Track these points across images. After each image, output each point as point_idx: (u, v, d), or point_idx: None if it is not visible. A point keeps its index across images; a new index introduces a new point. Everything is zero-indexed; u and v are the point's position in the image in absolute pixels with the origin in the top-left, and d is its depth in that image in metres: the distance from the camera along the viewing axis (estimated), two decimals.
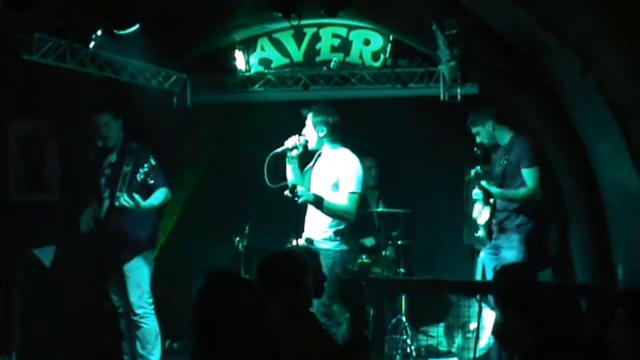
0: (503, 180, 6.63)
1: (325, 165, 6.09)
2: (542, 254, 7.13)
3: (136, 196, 6.04)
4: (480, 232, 6.75)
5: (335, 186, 5.94)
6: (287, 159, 6.05)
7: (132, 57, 7.29)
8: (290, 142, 6.00)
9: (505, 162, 6.59)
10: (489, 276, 6.62)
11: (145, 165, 6.10)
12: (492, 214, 6.63)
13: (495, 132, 6.70)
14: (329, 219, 5.93)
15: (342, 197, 5.91)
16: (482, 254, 7.31)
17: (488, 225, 6.66)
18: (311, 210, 6.01)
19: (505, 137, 6.71)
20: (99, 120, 6.43)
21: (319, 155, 6.18)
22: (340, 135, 6.11)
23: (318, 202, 5.83)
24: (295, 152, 6.05)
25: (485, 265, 6.86)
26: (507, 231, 6.57)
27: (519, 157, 6.56)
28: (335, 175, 5.97)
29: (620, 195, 6.16)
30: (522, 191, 6.54)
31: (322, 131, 6.03)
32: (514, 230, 6.54)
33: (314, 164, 6.22)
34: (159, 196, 6.34)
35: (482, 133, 6.71)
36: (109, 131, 6.43)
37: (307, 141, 6.05)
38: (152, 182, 6.18)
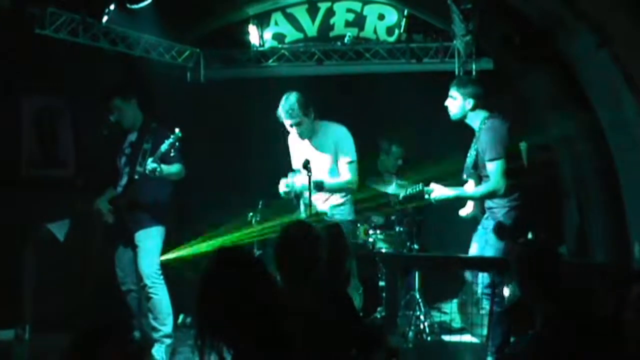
0: (475, 171, 6.08)
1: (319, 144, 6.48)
2: (555, 230, 7.02)
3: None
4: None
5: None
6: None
7: (145, 31, 7.26)
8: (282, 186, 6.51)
9: (475, 152, 6.05)
10: (481, 252, 6.11)
11: (172, 137, 6.13)
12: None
13: (471, 112, 6.06)
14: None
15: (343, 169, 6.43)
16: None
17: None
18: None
19: (476, 119, 6.05)
20: (110, 105, 6.42)
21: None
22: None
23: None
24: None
25: (476, 241, 6.31)
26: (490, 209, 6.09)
27: (484, 148, 5.90)
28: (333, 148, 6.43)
29: (636, 170, 6.09)
30: (481, 190, 5.97)
31: (309, 113, 6.43)
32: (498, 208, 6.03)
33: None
34: (175, 167, 6.36)
35: (459, 104, 6.10)
36: (121, 114, 6.43)
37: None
38: (173, 154, 6.19)
